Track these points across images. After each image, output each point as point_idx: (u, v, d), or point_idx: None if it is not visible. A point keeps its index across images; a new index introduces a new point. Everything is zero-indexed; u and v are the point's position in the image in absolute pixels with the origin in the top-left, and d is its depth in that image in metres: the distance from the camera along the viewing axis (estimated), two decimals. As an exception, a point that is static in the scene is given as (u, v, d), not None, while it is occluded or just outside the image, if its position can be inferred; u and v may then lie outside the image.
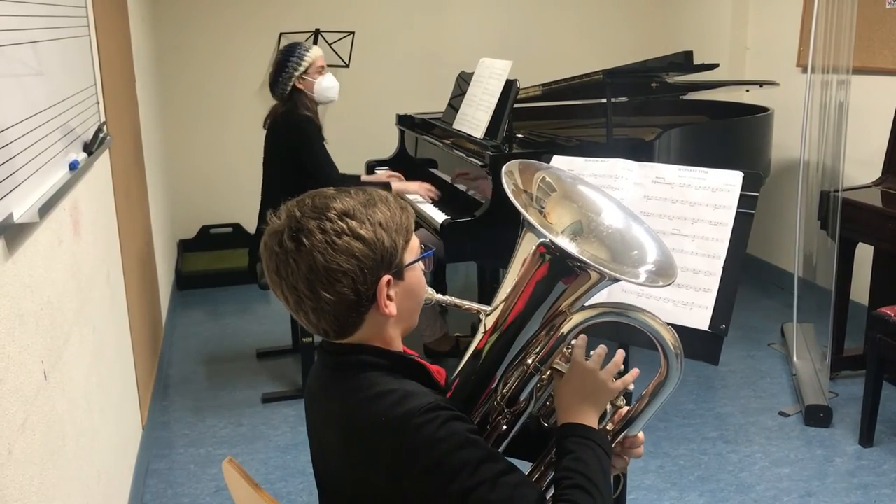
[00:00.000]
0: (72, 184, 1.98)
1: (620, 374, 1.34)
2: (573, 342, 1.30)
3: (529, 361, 1.28)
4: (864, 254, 3.52)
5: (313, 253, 1.13)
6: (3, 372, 1.42)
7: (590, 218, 1.33)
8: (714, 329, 1.68)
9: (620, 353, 1.35)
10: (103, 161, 2.65)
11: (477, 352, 1.28)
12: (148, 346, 3.34)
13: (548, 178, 1.34)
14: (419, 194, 3.50)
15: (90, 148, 2.24)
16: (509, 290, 1.25)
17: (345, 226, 1.14)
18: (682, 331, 1.67)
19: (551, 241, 1.18)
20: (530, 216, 1.20)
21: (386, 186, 3.45)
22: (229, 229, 5.27)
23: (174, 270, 4.93)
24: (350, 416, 1.18)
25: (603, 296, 1.72)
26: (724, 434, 3.15)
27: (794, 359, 3.58)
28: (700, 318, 1.70)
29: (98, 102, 2.53)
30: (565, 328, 1.25)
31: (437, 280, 4.29)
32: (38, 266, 1.71)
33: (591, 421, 1.26)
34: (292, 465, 2.97)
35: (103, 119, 2.60)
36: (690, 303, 1.71)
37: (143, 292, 3.38)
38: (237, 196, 5.10)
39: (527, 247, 1.23)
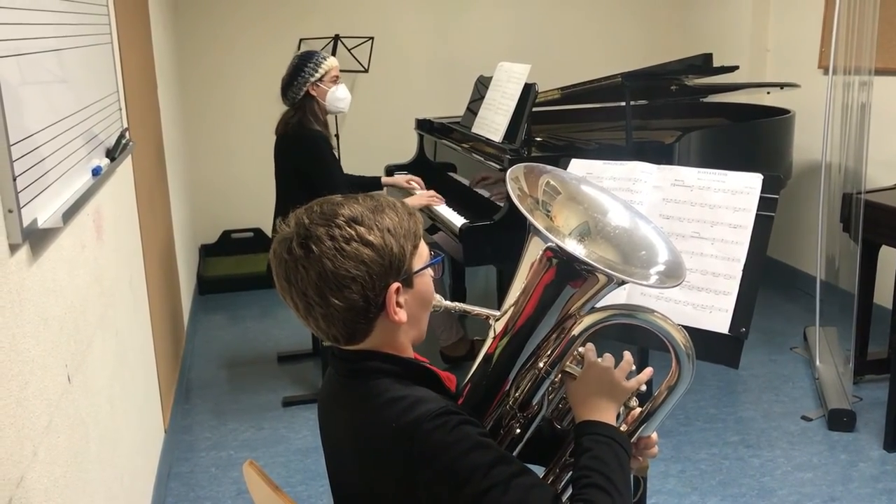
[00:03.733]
0: (95, 189, 2.00)
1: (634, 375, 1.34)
2: (581, 349, 1.30)
3: (541, 365, 1.28)
4: (888, 256, 3.48)
5: (322, 259, 1.14)
6: (28, 375, 1.44)
7: (596, 219, 1.33)
8: (734, 332, 1.68)
9: (628, 354, 1.35)
10: (126, 167, 2.68)
11: (487, 356, 1.28)
12: (170, 350, 3.37)
13: (552, 182, 1.34)
14: (429, 204, 3.53)
15: (113, 154, 2.26)
16: (518, 294, 1.25)
17: (353, 232, 1.15)
18: (701, 334, 1.67)
19: (558, 245, 1.18)
20: (536, 221, 1.20)
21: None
22: (250, 234, 5.30)
23: (196, 275, 4.97)
24: (361, 423, 1.18)
25: (622, 299, 1.73)
26: (746, 438, 3.12)
27: (817, 363, 3.55)
28: (720, 322, 1.69)
29: (120, 109, 2.56)
30: (576, 330, 1.25)
31: (457, 285, 4.29)
32: (62, 271, 1.73)
33: (609, 418, 1.26)
34: (313, 469, 2.98)
35: (126, 125, 2.63)
36: (710, 306, 1.71)
37: (166, 297, 3.41)
38: (258, 201, 5.12)
39: (533, 251, 1.23)
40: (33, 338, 1.49)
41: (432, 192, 3.57)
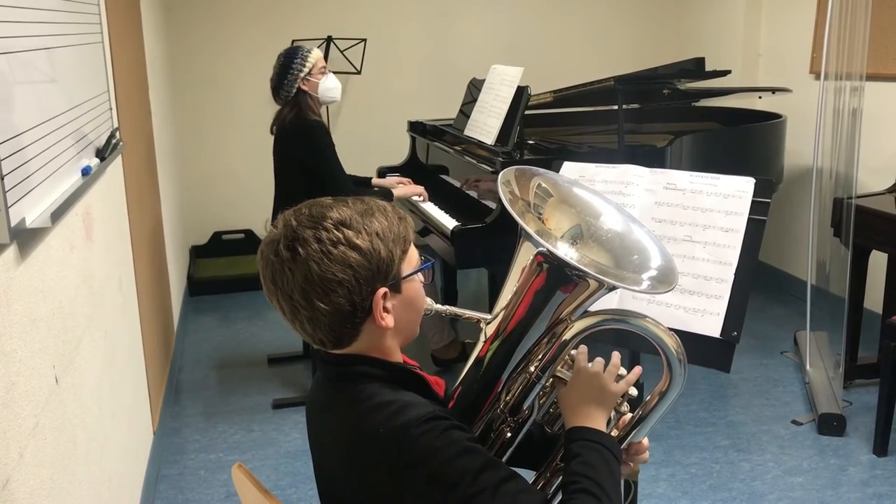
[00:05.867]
0: (84, 189, 1.99)
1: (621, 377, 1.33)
2: (574, 351, 1.29)
3: (532, 369, 1.27)
4: (879, 261, 3.49)
5: (309, 262, 1.12)
6: (15, 376, 1.43)
7: (588, 222, 1.32)
8: (726, 336, 1.68)
9: (616, 355, 1.34)
10: (116, 167, 2.66)
11: (479, 360, 1.28)
12: (159, 352, 3.35)
13: (544, 184, 1.33)
14: (416, 195, 3.60)
15: (103, 154, 2.25)
16: (509, 297, 1.24)
17: (341, 235, 1.13)
18: (693, 338, 1.66)
19: (549, 250, 1.18)
20: (528, 224, 1.19)
21: (388, 194, 3.47)
22: (241, 235, 5.29)
23: (186, 276, 4.95)
24: (349, 428, 1.17)
25: (613, 301, 1.73)
26: (737, 442, 3.13)
27: (808, 367, 3.56)
28: (711, 326, 1.69)
29: (111, 109, 2.55)
30: (567, 335, 1.24)
31: (448, 287, 4.28)
32: (51, 271, 1.72)
33: (599, 424, 1.26)
34: (302, 471, 2.97)
35: (116, 125, 2.62)
36: (702, 310, 1.70)
37: (155, 298, 3.39)
38: (249, 202, 5.11)
39: (525, 255, 1.22)
40: (20, 339, 1.48)
41: (421, 189, 3.60)
